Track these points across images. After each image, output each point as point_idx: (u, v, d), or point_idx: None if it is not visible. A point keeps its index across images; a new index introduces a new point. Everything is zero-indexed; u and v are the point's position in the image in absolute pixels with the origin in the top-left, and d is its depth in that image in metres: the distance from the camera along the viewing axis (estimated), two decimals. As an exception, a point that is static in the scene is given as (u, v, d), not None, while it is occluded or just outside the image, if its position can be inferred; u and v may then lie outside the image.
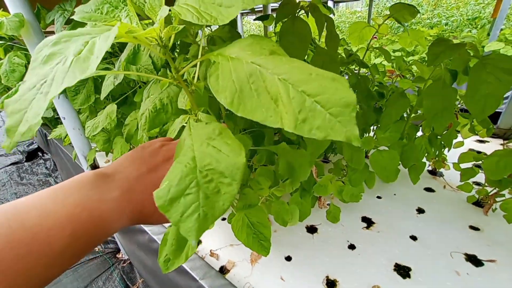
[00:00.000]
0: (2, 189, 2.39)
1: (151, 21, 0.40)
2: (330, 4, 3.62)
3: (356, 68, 1.15)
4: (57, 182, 2.44)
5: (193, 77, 0.44)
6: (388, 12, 0.96)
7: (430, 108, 0.66)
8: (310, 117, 0.23)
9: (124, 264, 1.49)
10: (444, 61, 0.76)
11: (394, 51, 3.61)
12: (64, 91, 1.07)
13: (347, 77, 1.10)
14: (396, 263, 0.75)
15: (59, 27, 0.86)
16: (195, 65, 0.43)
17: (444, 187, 1.03)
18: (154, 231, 0.87)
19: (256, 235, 0.64)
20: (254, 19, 1.05)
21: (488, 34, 3.20)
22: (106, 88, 0.84)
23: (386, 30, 1.20)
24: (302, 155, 0.60)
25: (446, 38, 0.73)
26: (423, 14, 5.93)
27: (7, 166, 2.80)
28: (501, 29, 2.89)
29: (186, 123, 0.42)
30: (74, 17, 0.37)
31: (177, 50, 1.05)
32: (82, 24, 0.94)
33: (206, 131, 0.32)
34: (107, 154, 1.48)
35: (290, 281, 0.75)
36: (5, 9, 0.94)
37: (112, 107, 0.83)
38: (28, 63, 0.96)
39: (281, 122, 0.24)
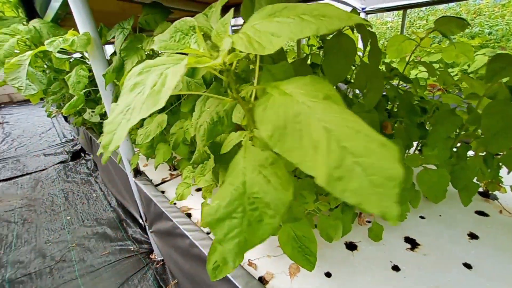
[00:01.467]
0: (51, 185, 2.62)
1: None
2: (362, 15, 3.56)
3: (395, 81, 1.12)
4: (97, 182, 2.63)
5: (251, 96, 0.47)
6: (421, 22, 0.93)
7: (490, 127, 0.63)
8: (347, 177, 0.21)
9: (157, 265, 1.55)
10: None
11: (431, 62, 3.44)
12: (116, 99, 1.17)
13: (385, 92, 1.08)
14: (448, 291, 0.71)
15: (119, 43, 0.95)
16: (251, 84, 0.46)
17: (500, 211, 0.95)
18: (196, 237, 0.90)
19: (301, 248, 0.64)
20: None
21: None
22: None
23: (429, 43, 1.16)
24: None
25: (506, 54, 0.69)
26: (462, 23, 5.58)
27: (56, 164, 3.08)
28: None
29: (242, 139, 0.45)
30: (154, 47, 0.42)
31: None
32: (138, 42, 1.01)
33: (259, 157, 0.34)
34: (147, 159, 1.58)
35: (330, 298, 0.73)
36: (75, 28, 1.07)
37: (162, 117, 0.89)
38: (91, 75, 1.08)
39: (315, 171, 0.24)
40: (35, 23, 1.50)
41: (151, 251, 1.68)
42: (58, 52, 1.12)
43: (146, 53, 0.95)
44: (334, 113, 0.25)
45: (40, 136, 4.23)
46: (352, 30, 0.82)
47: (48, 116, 2.37)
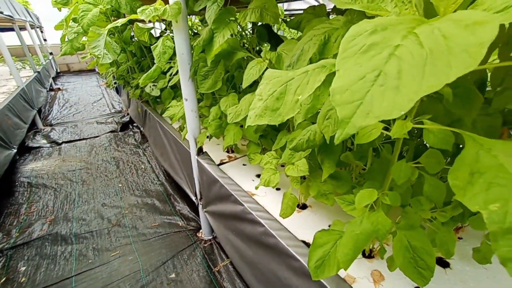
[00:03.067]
0: (104, 152, 2.80)
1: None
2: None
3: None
4: (145, 154, 2.74)
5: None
6: None
7: None
8: None
9: (206, 245, 1.57)
10: None
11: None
12: (194, 75, 1.15)
13: None
14: None
15: (212, 14, 0.91)
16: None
17: None
18: (272, 226, 0.86)
19: (414, 260, 0.57)
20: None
21: None
22: (250, 77, 0.85)
23: None
24: None
25: None
26: None
27: (107, 133, 3.28)
28: None
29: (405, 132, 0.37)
30: (351, 7, 0.35)
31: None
32: (228, 14, 0.94)
33: None
34: (210, 139, 1.57)
35: (427, 318, 0.65)
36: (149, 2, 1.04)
37: (253, 96, 0.84)
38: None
39: None
40: (114, -7, 1.53)
41: (198, 229, 1.71)
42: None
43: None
44: None
45: (93, 105, 4.52)
46: None
47: (108, 86, 2.49)
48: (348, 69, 0.25)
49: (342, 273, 0.78)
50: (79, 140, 3.08)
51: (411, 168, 0.47)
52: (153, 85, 1.91)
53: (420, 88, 0.22)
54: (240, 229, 1.06)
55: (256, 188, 0.88)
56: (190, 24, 1.67)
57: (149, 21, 1.44)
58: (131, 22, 1.76)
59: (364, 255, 0.84)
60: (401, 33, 0.23)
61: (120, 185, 2.22)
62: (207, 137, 1.62)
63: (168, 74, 1.70)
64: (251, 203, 0.97)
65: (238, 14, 0.92)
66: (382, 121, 0.51)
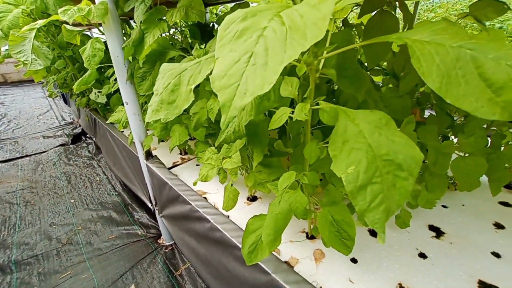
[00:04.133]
0: (53, 168, 2.56)
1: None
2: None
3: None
4: (100, 166, 2.58)
5: (318, 64, 0.43)
6: (430, 14, 0.89)
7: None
8: None
9: (167, 250, 1.53)
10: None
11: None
12: (131, 77, 1.12)
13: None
14: (480, 280, 0.70)
15: (140, 15, 0.89)
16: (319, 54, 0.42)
17: (526, 202, 0.95)
18: (217, 220, 0.87)
19: (339, 232, 0.62)
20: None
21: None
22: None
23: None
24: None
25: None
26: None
27: (56, 147, 3.01)
28: None
29: (307, 114, 0.41)
30: None
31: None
32: (158, 14, 0.95)
33: (372, 118, 0.31)
34: (159, 142, 1.53)
35: (359, 284, 0.72)
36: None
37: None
38: (106, 48, 1.02)
39: (503, 114, 0.22)
40: (40, -7, 1.41)
41: (158, 235, 1.66)
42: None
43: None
44: (510, 49, 0.23)
45: (38, 118, 4.12)
46: (394, 9, 0.78)
47: (49, 96, 2.29)
48: (225, 56, 0.27)
49: (285, 256, 0.82)
50: (20, 157, 2.78)
51: (319, 148, 0.52)
52: (98, 92, 1.81)
53: (283, 60, 0.24)
54: (192, 229, 1.06)
55: (194, 184, 0.88)
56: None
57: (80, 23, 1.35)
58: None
59: (307, 237, 0.89)
60: (268, 17, 0.26)
61: (72, 201, 2.06)
62: (162, 140, 1.58)
63: (112, 79, 1.62)
64: (198, 201, 0.98)
65: (167, 13, 0.91)
66: (291, 106, 0.55)
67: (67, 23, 1.10)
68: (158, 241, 1.63)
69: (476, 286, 0.69)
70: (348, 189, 0.27)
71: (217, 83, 0.24)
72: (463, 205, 0.98)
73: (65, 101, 4.39)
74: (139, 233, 1.69)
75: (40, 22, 0.92)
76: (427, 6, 7.17)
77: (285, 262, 0.80)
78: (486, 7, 0.91)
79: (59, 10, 0.92)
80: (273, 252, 0.83)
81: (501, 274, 0.71)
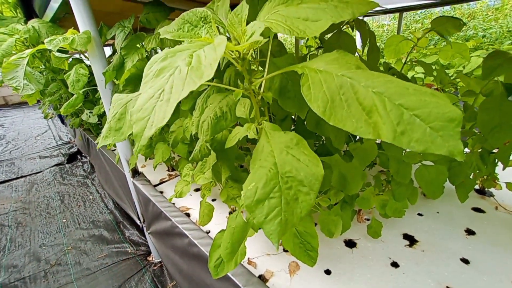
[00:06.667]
0: (47, 188, 2.59)
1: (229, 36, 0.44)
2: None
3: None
4: (93, 184, 2.60)
5: (259, 88, 0.47)
6: (417, 25, 0.95)
7: (486, 122, 0.64)
8: (409, 130, 0.23)
9: (155, 267, 1.53)
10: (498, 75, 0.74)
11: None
12: (116, 100, 1.17)
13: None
14: (447, 287, 0.71)
15: (119, 41, 0.95)
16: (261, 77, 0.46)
17: (496, 208, 0.96)
18: (194, 236, 0.90)
19: (303, 244, 0.64)
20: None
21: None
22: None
23: (426, 44, 1.18)
24: (355, 167, 0.60)
25: (502, 51, 0.71)
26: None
27: (52, 166, 3.05)
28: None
29: (255, 133, 0.45)
30: (165, 36, 0.42)
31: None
32: (138, 40, 1.01)
33: (284, 139, 0.35)
34: (145, 160, 1.57)
35: (331, 295, 0.73)
36: (74, 28, 1.07)
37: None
38: (91, 74, 1.08)
39: (374, 133, 0.26)
40: (33, 23, 1.50)
41: (148, 253, 1.66)
42: (58, 51, 1.11)
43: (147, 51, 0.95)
44: (376, 77, 0.27)
45: (36, 139, 4.18)
46: (352, 29, 0.84)
47: (45, 117, 2.35)
48: (145, 91, 0.32)
49: (261, 269, 0.83)
50: (16, 179, 2.81)
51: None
52: (90, 112, 1.87)
53: (179, 96, 0.28)
54: (175, 245, 1.07)
55: (169, 200, 0.91)
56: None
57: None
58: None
59: (284, 249, 0.91)
60: (183, 57, 0.30)
61: (64, 220, 2.07)
62: (150, 158, 1.61)
63: (101, 100, 1.68)
64: (178, 217, 1.00)
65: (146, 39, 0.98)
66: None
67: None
68: (148, 258, 1.63)
69: (443, 293, 0.70)
70: (245, 203, 0.30)
71: (134, 116, 0.28)
72: (437, 212, 1.00)
73: (62, 121, 4.47)
74: (129, 251, 1.69)
75: (27, 52, 0.99)
76: (414, 17, 7.42)
77: (260, 275, 0.81)
78: (445, 23, 0.98)
79: (45, 40, 0.99)
80: (248, 265, 0.85)
81: (468, 280, 0.72)
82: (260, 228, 0.31)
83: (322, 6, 0.31)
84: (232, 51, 0.38)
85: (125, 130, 0.42)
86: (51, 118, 2.43)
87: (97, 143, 0.46)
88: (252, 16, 0.68)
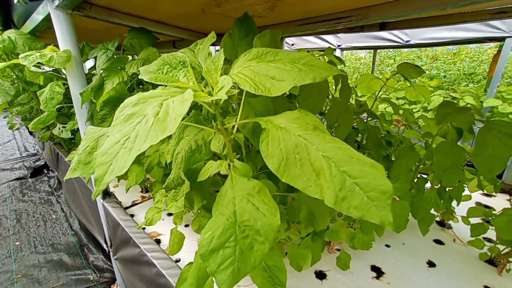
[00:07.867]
0: (2, 205, 2.36)
1: (205, 82, 0.47)
2: (338, 52, 3.90)
3: (364, 115, 1.22)
4: (59, 202, 2.42)
5: (233, 128, 0.49)
6: (390, 60, 1.06)
7: (440, 164, 0.71)
8: (349, 196, 0.26)
9: (118, 297, 1.42)
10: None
11: (397, 98, 3.81)
12: (91, 118, 1.14)
13: (355, 125, 1.18)
14: (409, 320, 0.73)
15: (101, 64, 0.96)
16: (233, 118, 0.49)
17: (454, 240, 1.03)
18: (163, 265, 0.86)
19: (271, 278, 0.64)
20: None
21: (485, 90, 3.40)
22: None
23: (394, 84, 1.30)
24: (323, 204, 0.63)
25: (452, 102, 0.80)
26: (423, 65, 6.35)
27: (11, 181, 2.80)
28: (498, 86, 3.08)
29: (227, 169, 0.47)
30: (142, 77, 0.44)
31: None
32: (120, 63, 1.02)
33: (247, 186, 0.36)
34: (118, 180, 1.51)
35: (299, 331, 0.72)
36: (54, 41, 1.05)
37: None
38: (66, 92, 1.05)
39: (320, 194, 0.28)
40: (10, 33, 1.45)
41: (113, 280, 1.54)
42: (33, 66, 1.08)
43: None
44: (328, 142, 0.29)
45: (-3, 149, 3.87)
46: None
47: (10, 128, 2.21)
48: (113, 135, 0.32)
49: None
50: (-32, 192, 2.55)
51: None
52: (62, 127, 1.79)
53: (140, 148, 0.29)
54: (142, 273, 1.01)
55: (138, 228, 0.88)
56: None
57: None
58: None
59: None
60: (153, 104, 0.31)
61: (17, 243, 1.88)
62: (123, 178, 1.55)
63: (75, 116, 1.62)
64: (148, 244, 0.96)
65: (128, 63, 0.99)
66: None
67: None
68: (112, 286, 1.51)
69: (406, 328, 0.72)
70: (200, 252, 0.31)
71: (98, 159, 0.29)
72: (403, 244, 1.05)
73: (30, 132, 4.20)
74: (91, 278, 1.56)
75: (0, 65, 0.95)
76: (387, 53, 8.13)
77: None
78: (408, 68, 1.09)
79: (20, 55, 0.97)
80: (217, 299, 0.82)
81: (429, 314, 0.75)
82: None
83: (288, 68, 0.34)
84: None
85: (94, 164, 0.41)
86: (17, 129, 2.28)
87: (67, 170, 0.45)
88: (232, 54, 0.72)
